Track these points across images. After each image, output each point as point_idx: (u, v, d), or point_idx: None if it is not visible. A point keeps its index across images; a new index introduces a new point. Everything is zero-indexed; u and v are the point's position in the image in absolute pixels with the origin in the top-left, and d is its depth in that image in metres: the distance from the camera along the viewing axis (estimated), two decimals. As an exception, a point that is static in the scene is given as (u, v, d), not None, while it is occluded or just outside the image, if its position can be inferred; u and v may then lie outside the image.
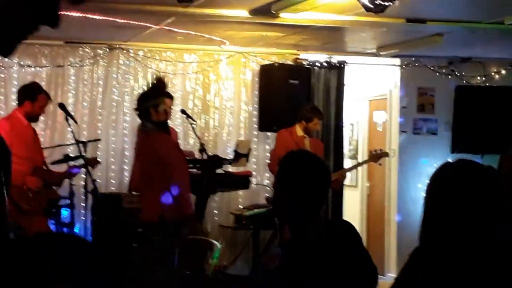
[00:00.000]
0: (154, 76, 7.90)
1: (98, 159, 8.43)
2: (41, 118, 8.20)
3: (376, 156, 9.09)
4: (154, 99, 7.30)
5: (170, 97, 7.57)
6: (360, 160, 10.90)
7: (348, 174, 10.86)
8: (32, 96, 7.44)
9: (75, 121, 8.13)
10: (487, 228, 2.56)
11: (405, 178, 10.25)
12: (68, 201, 8.10)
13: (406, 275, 2.64)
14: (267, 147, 9.87)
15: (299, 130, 8.66)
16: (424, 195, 2.71)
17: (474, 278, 2.50)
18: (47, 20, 2.06)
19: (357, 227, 10.89)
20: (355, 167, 9.73)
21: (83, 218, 8.89)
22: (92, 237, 8.43)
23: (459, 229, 2.58)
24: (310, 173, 3.57)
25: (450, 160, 2.86)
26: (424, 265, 2.58)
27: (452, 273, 2.51)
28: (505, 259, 2.54)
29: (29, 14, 2.02)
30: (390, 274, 10.09)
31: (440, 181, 2.69)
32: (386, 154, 9.17)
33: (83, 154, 7.94)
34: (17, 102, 7.64)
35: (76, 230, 8.61)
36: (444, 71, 10.38)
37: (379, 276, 3.70)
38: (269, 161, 8.99)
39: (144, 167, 7.30)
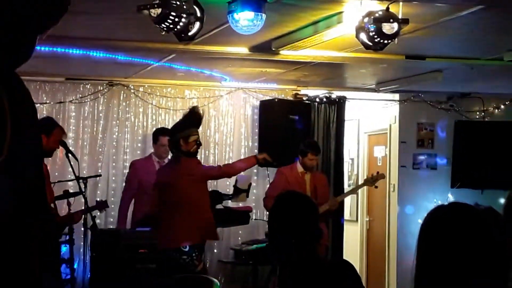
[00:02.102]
0: (189, 107, 7.94)
1: (107, 202, 8.46)
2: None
3: (372, 179, 9.03)
4: (184, 130, 7.39)
5: (198, 127, 7.62)
6: (359, 195, 10.91)
7: (347, 209, 10.87)
8: (48, 131, 7.40)
9: (75, 158, 8.14)
10: (483, 274, 2.54)
11: (405, 213, 10.24)
12: (67, 237, 8.10)
13: None
14: (267, 182, 9.87)
15: (299, 166, 8.66)
16: (417, 239, 2.68)
17: None
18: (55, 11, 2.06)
19: (357, 262, 10.90)
20: (348, 193, 9.69)
21: (82, 255, 8.87)
22: (91, 273, 8.42)
23: (453, 275, 2.55)
24: (297, 212, 3.67)
25: (446, 197, 2.84)
26: None
27: None
28: None
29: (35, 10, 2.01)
30: (391, 311, 10.05)
31: (432, 226, 2.66)
32: (382, 176, 9.05)
33: (83, 190, 7.95)
34: None
35: (75, 266, 8.59)
36: (443, 106, 10.42)
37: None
38: (264, 197, 8.93)
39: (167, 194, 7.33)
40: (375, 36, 5.63)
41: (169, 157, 8.65)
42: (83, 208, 8.11)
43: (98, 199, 8.29)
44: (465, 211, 2.63)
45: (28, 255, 1.97)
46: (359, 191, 11.15)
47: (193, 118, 7.57)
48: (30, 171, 2.00)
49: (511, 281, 2.67)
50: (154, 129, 9.35)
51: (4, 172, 1.90)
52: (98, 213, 9.15)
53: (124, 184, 9.30)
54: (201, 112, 7.72)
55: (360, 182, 11.08)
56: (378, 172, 9.08)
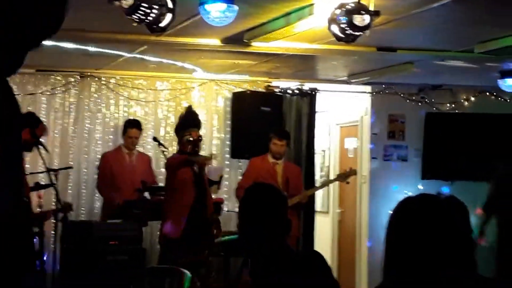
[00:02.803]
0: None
1: (71, 205, 8.42)
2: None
3: (344, 175, 9.09)
4: (179, 133, 7.99)
5: (197, 127, 7.98)
6: (331, 187, 10.94)
7: (319, 200, 10.90)
8: (32, 125, 7.38)
9: (46, 150, 8.09)
10: (450, 263, 2.56)
11: (376, 204, 10.29)
12: (37, 229, 8.03)
13: None
14: (239, 174, 9.88)
15: (270, 157, 8.68)
16: (386, 230, 2.70)
17: None
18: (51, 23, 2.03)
19: (328, 253, 10.97)
20: (319, 187, 9.77)
21: (52, 246, 8.81)
22: (61, 266, 8.37)
23: (421, 265, 2.57)
24: (266, 203, 3.70)
25: (416, 189, 2.86)
26: None
27: None
28: None
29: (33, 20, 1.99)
30: (362, 301, 10.12)
31: (399, 217, 2.68)
32: (354, 172, 9.13)
33: (54, 182, 7.91)
34: None
35: (44, 258, 8.53)
36: (414, 98, 10.47)
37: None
38: (236, 188, 8.97)
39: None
40: (347, 28, 5.64)
41: (137, 149, 8.80)
42: (53, 202, 8.08)
43: (62, 201, 8.25)
44: (431, 201, 2.66)
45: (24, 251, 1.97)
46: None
47: (184, 119, 7.78)
48: (17, 164, 2.00)
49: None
50: (126, 120, 9.33)
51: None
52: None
53: (96, 176, 9.29)
54: (193, 111, 7.92)
55: (332, 174, 11.15)
56: (350, 168, 9.14)
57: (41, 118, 9.41)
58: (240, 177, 9.38)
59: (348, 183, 9.30)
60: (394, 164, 10.48)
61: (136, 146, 9.20)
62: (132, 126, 9.05)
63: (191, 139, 7.85)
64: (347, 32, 5.68)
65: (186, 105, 9.98)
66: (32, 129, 7.33)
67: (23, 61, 2.04)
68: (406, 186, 10.01)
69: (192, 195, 7.87)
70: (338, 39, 5.83)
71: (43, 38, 2.05)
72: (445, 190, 9.44)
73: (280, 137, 8.63)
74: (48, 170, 8.05)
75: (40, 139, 8.08)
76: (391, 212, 2.71)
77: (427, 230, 2.58)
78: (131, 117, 9.56)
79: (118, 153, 9.06)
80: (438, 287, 2.51)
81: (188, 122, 8.00)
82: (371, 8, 5.70)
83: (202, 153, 8.45)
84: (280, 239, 3.69)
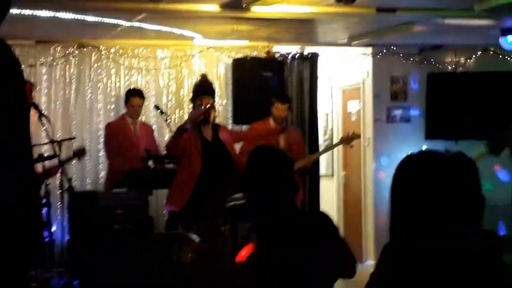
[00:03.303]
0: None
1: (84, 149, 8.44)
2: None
3: (347, 138, 9.09)
4: (193, 100, 7.90)
5: (210, 95, 7.87)
6: (335, 150, 10.94)
7: (324, 164, 10.90)
8: None
9: (49, 120, 8.10)
10: (456, 219, 2.55)
11: (380, 167, 10.30)
12: (44, 200, 8.06)
13: (379, 273, 2.64)
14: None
15: (271, 121, 8.67)
16: (390, 188, 2.68)
17: (444, 275, 2.48)
18: None
19: (334, 216, 10.96)
20: (323, 152, 9.78)
21: (59, 217, 8.85)
22: (69, 235, 8.42)
23: (426, 222, 2.56)
24: (272, 164, 3.68)
25: (419, 149, 2.84)
26: (394, 263, 2.56)
27: (421, 269, 2.49)
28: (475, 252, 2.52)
29: None
30: (368, 262, 10.16)
31: (403, 175, 2.67)
32: (357, 136, 9.14)
33: (58, 153, 7.92)
34: None
35: (53, 229, 8.58)
36: (415, 58, 10.43)
37: (357, 264, 3.74)
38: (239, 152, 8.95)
39: None
40: (346, -11, 5.62)
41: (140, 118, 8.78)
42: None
43: (74, 148, 8.25)
44: (435, 158, 2.64)
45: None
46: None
47: (196, 86, 7.75)
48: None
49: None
50: (127, 90, 9.32)
51: None
52: (74, 176, 9.16)
53: (99, 146, 9.30)
54: (205, 79, 7.88)
55: (336, 137, 11.15)
56: (354, 132, 9.15)
57: (42, 90, 9.46)
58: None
59: (352, 146, 9.30)
60: (397, 126, 10.46)
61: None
62: (134, 94, 9.03)
63: (202, 106, 7.73)
64: (346, -8, 5.66)
65: (187, 72, 10.00)
66: None
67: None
68: (410, 147, 9.99)
69: (199, 165, 7.75)
70: (338, 0, 5.80)
71: None
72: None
73: (282, 101, 8.62)
74: (52, 141, 8.07)
75: (41, 112, 8.10)
76: (394, 170, 2.70)
77: (431, 186, 2.56)
78: (132, 86, 9.55)
79: (122, 122, 9.05)
80: (444, 244, 2.51)
81: (200, 89, 7.91)
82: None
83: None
84: (288, 200, 3.70)
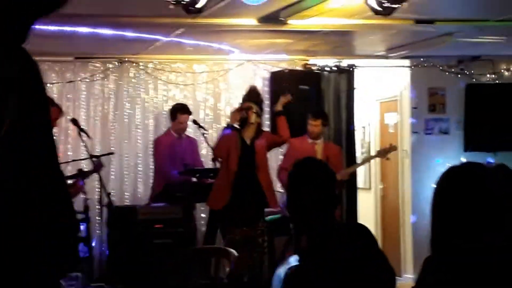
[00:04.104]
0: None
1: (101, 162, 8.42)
2: (54, 133, 8.20)
3: (384, 151, 9.08)
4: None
5: (254, 101, 8.04)
6: (372, 163, 10.89)
7: (361, 177, 10.85)
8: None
9: (88, 136, 8.17)
10: (499, 234, 2.51)
11: (419, 179, 10.23)
12: (83, 215, 8.12)
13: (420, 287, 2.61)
14: (280, 154, 9.87)
15: (308, 137, 8.70)
16: (431, 202, 2.65)
17: None
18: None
19: (372, 229, 10.86)
20: (359, 164, 9.75)
21: (99, 232, 8.91)
22: (109, 251, 8.46)
23: (469, 237, 2.52)
24: (315, 178, 3.68)
25: (458, 161, 2.80)
26: (436, 276, 2.53)
27: (464, 285, 2.46)
28: None
29: None
30: (407, 275, 10.07)
31: (446, 187, 2.63)
32: (394, 148, 9.12)
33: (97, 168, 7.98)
34: None
35: (92, 244, 8.64)
36: (454, 70, 10.37)
37: (396, 277, 3.71)
38: (278, 170, 8.97)
39: None
40: (384, 1, 5.61)
41: (186, 134, 8.83)
42: (97, 188, 8.16)
43: (94, 161, 8.27)
44: (477, 170, 2.62)
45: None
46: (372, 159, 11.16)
47: (244, 95, 7.90)
48: (37, 144, 2.01)
49: None
50: (172, 106, 9.32)
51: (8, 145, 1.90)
52: (113, 191, 9.21)
53: (153, 161, 9.30)
54: (252, 89, 8.03)
55: (373, 150, 11.10)
56: (390, 144, 9.12)
57: (81, 105, 9.55)
58: (281, 157, 9.38)
59: (388, 159, 9.26)
60: (435, 138, 10.39)
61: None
62: (183, 111, 9.04)
63: (240, 109, 7.94)
64: (384, 5, 5.65)
65: (225, 86, 10.04)
66: None
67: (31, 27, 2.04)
68: (449, 159, 9.92)
69: (235, 166, 7.86)
70: (376, 12, 5.80)
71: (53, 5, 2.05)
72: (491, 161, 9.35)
73: (314, 117, 8.64)
74: (91, 157, 8.14)
75: (81, 127, 8.17)
76: (436, 183, 2.67)
77: (474, 199, 2.54)
78: (170, 101, 9.61)
79: (169, 137, 9.08)
80: (488, 258, 2.48)
81: (246, 96, 8.11)
82: (408, -21, 5.65)
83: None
84: (329, 213, 3.70)
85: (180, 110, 9.03)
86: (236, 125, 7.97)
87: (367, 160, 10.02)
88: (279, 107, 8.30)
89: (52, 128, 2.11)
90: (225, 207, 7.79)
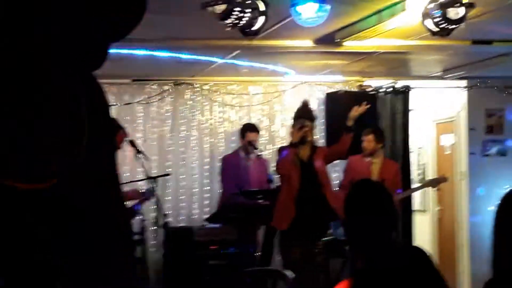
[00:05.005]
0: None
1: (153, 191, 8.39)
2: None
3: (434, 181, 9.04)
4: (294, 122, 8.00)
5: (308, 118, 7.96)
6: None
7: (417, 199, 10.75)
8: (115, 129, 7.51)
9: (146, 157, 8.23)
10: None
11: (476, 201, 10.10)
12: (140, 237, 8.17)
13: None
14: (336, 174, 9.83)
15: (363, 155, 8.66)
16: (492, 223, 2.62)
17: None
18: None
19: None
20: (411, 191, 9.67)
21: (154, 253, 8.96)
22: (163, 272, 8.50)
23: None
24: (372, 200, 3.66)
25: None
26: None
27: None
28: None
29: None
30: (465, 300, 9.94)
31: (507, 208, 2.60)
32: (444, 180, 9.02)
33: (154, 189, 8.03)
34: None
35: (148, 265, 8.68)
36: (511, 91, 10.23)
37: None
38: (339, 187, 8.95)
39: None
40: (441, 22, 5.58)
41: (255, 152, 8.81)
42: (153, 208, 8.20)
43: (144, 190, 8.30)
44: None
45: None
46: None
47: (296, 111, 7.91)
48: (105, 172, 2.04)
49: None
50: (243, 124, 9.36)
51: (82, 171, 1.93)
52: (169, 212, 9.26)
53: (220, 179, 9.37)
54: (305, 104, 8.01)
55: (429, 172, 11.02)
56: (443, 175, 9.07)
57: (137, 127, 9.64)
58: (338, 176, 9.38)
59: (439, 189, 9.23)
60: (493, 160, 10.26)
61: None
62: (252, 130, 9.07)
63: (299, 128, 7.93)
64: (441, 26, 5.62)
65: (280, 108, 10.06)
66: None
67: (106, 55, 2.07)
68: (507, 181, 9.78)
69: (296, 184, 7.85)
70: (433, 33, 5.77)
71: (126, 30, 2.08)
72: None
73: (365, 133, 8.61)
74: (148, 178, 8.20)
75: (138, 149, 8.25)
76: (498, 205, 2.64)
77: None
78: (226, 123, 9.67)
79: (236, 156, 9.11)
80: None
81: (299, 113, 8.09)
82: (465, 0, 5.61)
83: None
84: (386, 236, 3.67)
85: (249, 129, 9.06)
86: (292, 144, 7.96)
87: (417, 188, 9.90)
88: (349, 122, 8.23)
89: (116, 152, 2.15)
90: (290, 226, 7.76)
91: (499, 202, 2.66)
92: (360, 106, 8.17)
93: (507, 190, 2.71)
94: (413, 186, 10.27)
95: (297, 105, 9.94)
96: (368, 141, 8.55)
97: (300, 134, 7.82)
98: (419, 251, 3.68)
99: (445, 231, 11.00)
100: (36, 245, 1.93)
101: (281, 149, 8.24)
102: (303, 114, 8.03)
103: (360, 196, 3.78)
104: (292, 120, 8.13)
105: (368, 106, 8.45)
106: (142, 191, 8.17)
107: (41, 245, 1.94)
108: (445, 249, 10.92)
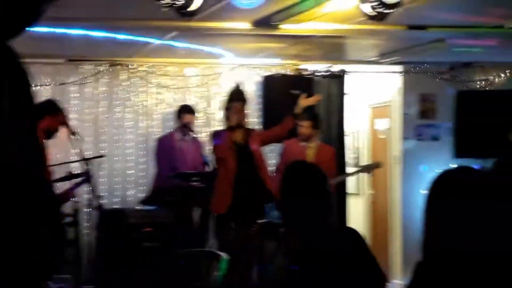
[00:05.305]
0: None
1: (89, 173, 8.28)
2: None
3: (369, 166, 9.16)
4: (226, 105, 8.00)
5: (240, 100, 7.99)
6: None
7: (350, 183, 10.86)
8: (52, 111, 7.40)
9: (79, 138, 8.13)
10: (496, 235, 2.50)
11: (409, 185, 10.24)
12: (72, 218, 8.07)
13: None
14: (271, 157, 9.86)
15: (299, 139, 8.69)
16: (424, 206, 2.64)
17: None
18: None
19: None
20: (344, 176, 9.76)
21: (87, 235, 8.88)
22: (96, 254, 8.43)
23: (462, 242, 2.52)
24: (307, 182, 3.69)
25: (448, 167, 2.79)
26: (428, 281, 2.52)
27: None
28: None
29: None
30: (396, 281, 10.07)
31: (438, 191, 2.63)
32: (378, 165, 9.17)
33: (89, 171, 7.93)
34: None
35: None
36: (445, 76, 10.39)
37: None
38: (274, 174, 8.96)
39: None
40: (378, 6, 5.62)
41: (191, 134, 8.78)
42: (87, 190, 8.10)
43: (82, 173, 8.20)
44: (472, 174, 2.61)
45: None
46: (361, 164, 11.18)
47: (228, 94, 7.88)
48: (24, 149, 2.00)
49: None
50: (180, 106, 9.35)
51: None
52: (103, 194, 9.18)
53: (154, 160, 9.29)
54: (236, 87, 8.00)
55: (362, 157, 11.14)
56: (378, 161, 9.22)
57: (72, 108, 9.51)
58: (272, 161, 9.40)
59: (372, 175, 9.33)
60: (426, 144, 10.40)
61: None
62: (187, 111, 9.09)
63: (234, 112, 7.91)
64: (378, 10, 5.65)
65: (217, 90, 10.03)
66: (51, 116, 7.35)
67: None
68: (439, 165, 9.93)
69: (233, 168, 7.85)
70: (369, 17, 5.81)
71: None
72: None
73: (303, 119, 8.63)
74: (82, 159, 8.10)
75: (72, 130, 8.13)
76: (428, 187, 2.66)
77: (469, 201, 2.53)
78: (162, 104, 9.63)
79: (170, 137, 9.10)
80: (483, 262, 2.48)
81: (231, 96, 8.08)
82: (402, -15, 5.67)
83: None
84: (321, 216, 3.69)
85: (184, 110, 9.07)
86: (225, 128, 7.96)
87: (350, 174, 10.00)
88: (298, 110, 8.23)
89: (36, 130, 2.10)
90: (228, 210, 7.77)
91: (430, 185, 2.68)
92: (312, 97, 8.21)
93: (438, 173, 2.73)
94: (348, 170, 10.37)
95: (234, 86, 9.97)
96: (305, 126, 8.58)
97: (236, 117, 7.82)
98: (353, 232, 3.73)
99: (378, 214, 11.14)
100: (36, 245, 1.90)
101: (215, 134, 8.21)
102: (235, 96, 8.02)
103: (295, 178, 3.79)
104: (225, 103, 8.13)
105: (319, 99, 8.49)
106: (76, 182, 8.04)
107: (41, 245, 1.91)
108: (378, 231, 11.06)
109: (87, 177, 7.88)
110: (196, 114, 9.32)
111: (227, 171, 7.80)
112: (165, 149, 9.01)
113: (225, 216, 7.74)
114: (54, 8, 2.07)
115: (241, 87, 8.38)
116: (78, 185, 7.94)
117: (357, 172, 9.59)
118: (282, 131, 8.25)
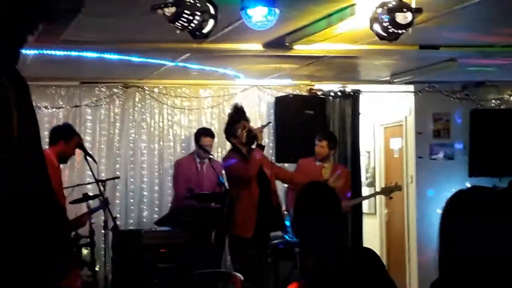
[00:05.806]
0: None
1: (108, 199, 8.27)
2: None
3: (388, 189, 9.11)
4: (231, 129, 7.69)
5: (246, 120, 7.77)
6: (377, 188, 10.90)
7: (365, 202, 10.85)
8: (67, 137, 7.42)
9: (94, 160, 8.16)
10: (508, 257, 2.50)
11: (424, 204, 10.23)
12: (88, 240, 8.09)
13: None
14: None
15: (315, 159, 8.70)
16: (439, 225, 2.65)
17: None
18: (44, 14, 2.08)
19: (378, 254, 10.72)
20: (363, 199, 9.75)
21: (103, 256, 8.89)
22: (112, 275, 8.44)
23: (478, 260, 2.52)
24: (323, 202, 3.69)
25: (463, 186, 2.79)
26: None
27: None
28: None
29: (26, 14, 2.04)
30: (413, 301, 10.05)
31: (454, 210, 2.63)
32: (398, 188, 9.11)
33: (103, 192, 7.96)
34: (48, 142, 7.48)
35: (96, 268, 8.60)
36: (458, 95, 10.39)
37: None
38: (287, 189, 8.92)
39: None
40: (389, 27, 5.63)
41: (209, 156, 8.73)
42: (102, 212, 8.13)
43: (101, 198, 8.22)
44: (486, 193, 2.62)
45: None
46: (377, 184, 11.17)
47: (233, 114, 7.76)
48: (32, 162, 2.04)
49: None
50: (196, 129, 9.32)
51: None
52: (118, 215, 9.23)
53: (172, 183, 9.32)
54: (240, 107, 7.88)
55: (377, 176, 11.13)
56: (396, 183, 9.12)
57: (86, 130, 9.56)
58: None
59: (391, 198, 9.27)
60: (440, 163, 10.39)
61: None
62: (206, 134, 9.04)
63: (245, 129, 7.70)
64: (389, 30, 5.67)
65: (230, 111, 10.03)
66: (66, 142, 7.37)
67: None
68: (454, 184, 9.91)
69: (257, 190, 7.68)
70: (381, 38, 5.82)
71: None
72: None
73: (320, 138, 8.64)
74: (96, 181, 8.13)
75: (87, 152, 8.16)
76: (444, 206, 2.67)
77: (482, 221, 2.54)
78: (176, 126, 9.66)
79: (189, 160, 9.10)
80: (498, 280, 2.48)
81: (238, 115, 7.91)
82: (413, 5, 5.69)
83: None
84: (335, 237, 3.70)
85: (203, 133, 9.04)
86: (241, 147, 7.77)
87: (370, 196, 9.99)
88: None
89: (40, 146, 2.14)
90: (253, 233, 7.56)
91: (445, 205, 2.69)
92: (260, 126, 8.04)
93: (453, 193, 2.74)
94: (363, 189, 10.37)
95: (247, 108, 9.98)
96: (322, 146, 8.59)
97: (246, 135, 7.66)
98: (369, 253, 3.73)
99: (393, 234, 11.11)
100: (36, 245, 1.92)
101: (228, 157, 7.97)
102: (241, 116, 7.84)
103: (311, 197, 3.81)
104: (229, 126, 7.82)
105: (266, 125, 8.34)
106: (92, 208, 8.04)
107: (41, 245, 1.93)
108: (394, 251, 11.04)
109: (103, 202, 7.90)
110: (214, 137, 9.22)
111: (251, 193, 7.59)
112: (184, 172, 9.02)
113: (248, 239, 7.55)
114: (68, 31, 2.11)
115: (239, 106, 8.20)
116: (94, 210, 7.96)
117: (375, 194, 9.57)
118: (291, 179, 8.21)
